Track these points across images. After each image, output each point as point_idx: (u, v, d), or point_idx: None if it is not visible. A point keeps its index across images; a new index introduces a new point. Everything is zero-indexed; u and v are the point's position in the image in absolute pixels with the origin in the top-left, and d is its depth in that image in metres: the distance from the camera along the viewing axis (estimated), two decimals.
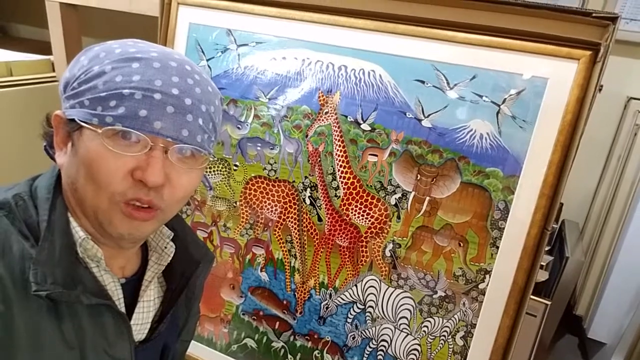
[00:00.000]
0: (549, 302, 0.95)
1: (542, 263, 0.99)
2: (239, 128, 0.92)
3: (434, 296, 0.82)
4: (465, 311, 0.80)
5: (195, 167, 0.51)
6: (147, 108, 0.46)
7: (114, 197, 0.48)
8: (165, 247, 0.60)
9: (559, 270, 1.11)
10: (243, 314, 0.98)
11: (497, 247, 0.76)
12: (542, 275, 1.10)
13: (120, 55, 0.48)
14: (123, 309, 0.55)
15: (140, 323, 0.58)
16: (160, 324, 0.60)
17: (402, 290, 0.84)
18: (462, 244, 0.79)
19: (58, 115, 0.50)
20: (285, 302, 0.94)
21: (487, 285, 0.78)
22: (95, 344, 0.51)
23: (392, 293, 0.85)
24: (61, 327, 0.49)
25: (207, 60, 0.93)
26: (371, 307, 0.87)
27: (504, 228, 0.75)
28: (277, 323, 0.95)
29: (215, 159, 0.95)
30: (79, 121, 0.47)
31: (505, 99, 0.73)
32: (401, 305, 0.85)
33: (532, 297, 0.82)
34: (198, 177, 0.53)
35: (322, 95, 0.84)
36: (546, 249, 0.86)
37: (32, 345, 0.46)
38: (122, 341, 0.54)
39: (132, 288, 0.58)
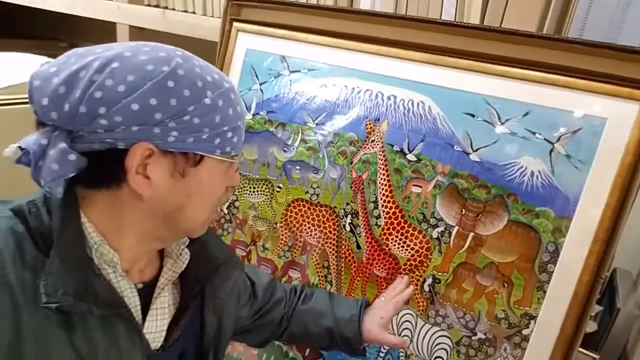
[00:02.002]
0: (597, 356, 0.89)
1: (591, 313, 0.93)
2: (285, 151, 0.94)
3: (473, 338, 0.78)
4: (507, 357, 0.76)
5: None
6: (243, 132, 0.56)
7: (216, 207, 0.56)
8: (181, 254, 0.60)
9: (609, 322, 1.03)
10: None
11: (545, 292, 0.72)
12: (590, 327, 1.03)
13: (216, 85, 0.51)
14: (139, 316, 0.55)
15: (154, 331, 0.57)
16: (174, 332, 0.59)
17: (439, 328, 0.81)
18: (506, 285, 0.75)
19: (149, 148, 0.48)
20: None
21: (531, 331, 0.74)
22: (107, 354, 0.51)
23: (428, 330, 0.82)
24: (71, 337, 0.48)
25: (260, 84, 0.96)
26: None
27: (552, 272, 0.72)
28: (308, 350, 0.94)
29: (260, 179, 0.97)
30: (202, 154, 0.51)
31: (559, 137, 0.71)
32: (437, 344, 0.82)
33: (579, 349, 0.77)
34: None
35: (370, 124, 0.85)
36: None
37: (40, 354, 0.47)
38: (135, 351, 0.53)
39: (148, 293, 0.58)
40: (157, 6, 1.28)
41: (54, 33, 2.03)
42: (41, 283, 0.47)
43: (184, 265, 0.60)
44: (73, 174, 0.47)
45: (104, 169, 0.49)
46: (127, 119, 0.46)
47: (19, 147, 0.47)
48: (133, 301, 0.55)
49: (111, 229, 0.52)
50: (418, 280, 0.82)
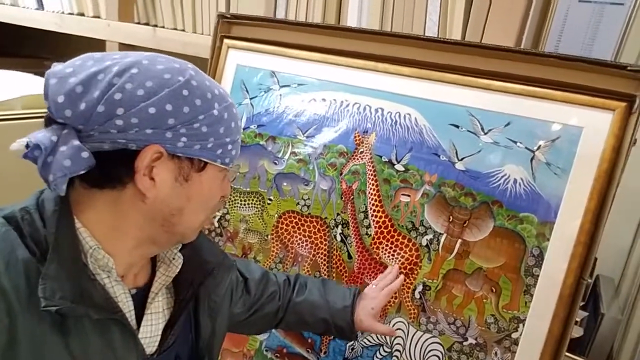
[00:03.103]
0: None
1: (577, 319, 0.95)
2: (275, 163, 0.96)
3: (464, 343, 0.80)
4: None
5: None
6: (239, 148, 0.58)
7: (210, 214, 0.59)
8: (174, 259, 0.61)
9: (595, 327, 1.06)
10: (266, 351, 0.97)
11: (531, 295, 0.75)
12: (576, 332, 1.05)
13: (222, 98, 0.54)
14: (134, 321, 0.56)
15: (149, 336, 0.58)
16: (169, 336, 0.60)
17: (430, 335, 0.82)
18: (494, 290, 0.77)
19: (159, 151, 0.50)
20: (309, 340, 0.93)
21: (520, 334, 0.76)
22: (103, 359, 0.52)
23: (420, 337, 0.83)
24: (67, 341, 0.49)
25: (251, 99, 0.98)
26: (398, 351, 0.85)
27: (538, 275, 0.74)
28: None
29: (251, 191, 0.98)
30: (206, 161, 0.54)
31: (539, 145, 0.74)
32: (429, 350, 0.83)
33: (567, 354, 0.79)
34: None
35: (358, 136, 0.88)
36: (580, 304, 0.83)
37: (35, 358, 0.47)
38: (130, 355, 0.54)
39: (142, 298, 0.58)
40: (147, 24, 1.30)
41: (40, 51, 2.03)
42: (39, 287, 0.47)
43: (177, 270, 0.61)
44: (83, 172, 0.48)
45: (112, 168, 0.50)
46: (143, 121, 0.48)
47: (27, 143, 0.48)
48: (127, 306, 0.55)
49: (108, 232, 0.53)
50: (409, 288, 0.84)
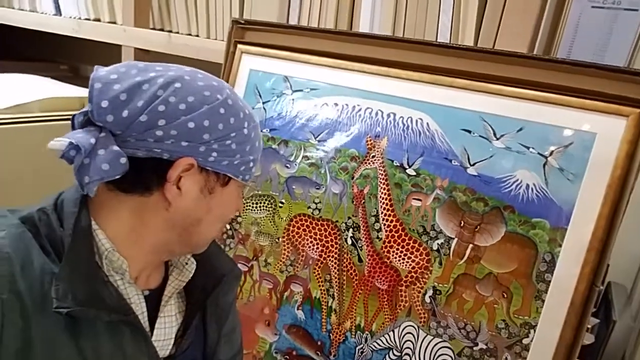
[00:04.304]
0: None
1: (588, 325, 0.94)
2: (287, 167, 0.97)
3: (475, 348, 0.80)
4: None
5: None
6: (257, 165, 0.60)
7: (225, 225, 0.57)
8: (186, 264, 0.62)
9: (606, 334, 1.05)
10: (276, 352, 0.97)
11: (543, 301, 0.74)
12: (588, 339, 1.04)
13: (252, 119, 0.57)
14: (146, 323, 0.57)
15: (162, 339, 0.59)
16: (182, 340, 0.61)
17: (441, 340, 0.82)
18: (505, 295, 0.77)
19: (191, 163, 0.52)
20: (319, 342, 0.93)
21: (531, 340, 0.75)
22: None
23: (430, 342, 0.83)
24: (79, 343, 0.50)
25: (264, 103, 1.00)
26: (408, 354, 0.85)
27: (550, 281, 0.74)
28: None
29: (263, 194, 0.99)
30: (230, 176, 0.56)
31: (552, 151, 0.74)
32: (439, 355, 0.83)
33: None
34: None
35: (370, 140, 0.88)
36: (592, 310, 0.83)
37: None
38: (142, 357, 0.55)
39: (154, 301, 0.59)
40: (162, 29, 1.33)
41: (57, 55, 2.07)
42: (52, 288, 0.48)
43: (190, 275, 0.62)
44: (118, 177, 0.50)
45: (143, 175, 0.52)
46: (180, 134, 0.50)
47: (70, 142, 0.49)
48: (140, 308, 0.56)
49: (126, 235, 0.54)
50: (419, 292, 0.84)
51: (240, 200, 0.62)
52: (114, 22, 1.40)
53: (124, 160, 0.49)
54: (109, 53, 1.41)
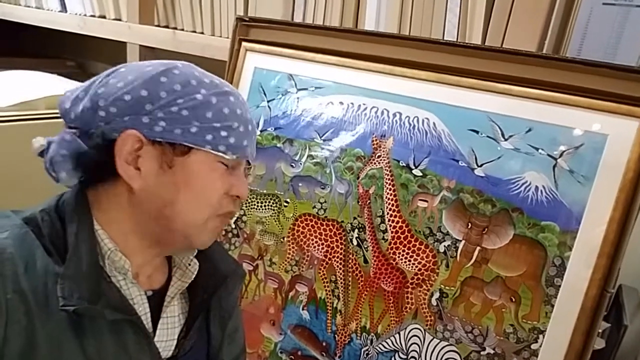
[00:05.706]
0: None
1: (599, 330, 0.93)
2: (292, 166, 0.96)
3: (482, 353, 0.78)
4: None
5: None
6: (247, 139, 0.56)
7: (214, 212, 0.55)
8: (189, 265, 0.61)
9: (617, 339, 1.03)
10: (281, 352, 0.97)
11: (552, 306, 0.73)
12: (598, 343, 1.02)
13: (214, 86, 0.54)
14: (149, 323, 0.56)
15: (165, 340, 0.58)
16: (185, 341, 0.60)
17: (447, 343, 0.81)
18: (514, 299, 0.76)
19: (137, 137, 0.51)
20: (324, 343, 0.92)
21: (540, 346, 0.74)
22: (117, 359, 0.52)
23: (436, 345, 0.82)
24: (82, 342, 0.50)
25: (268, 101, 0.99)
26: (414, 357, 0.84)
27: (559, 286, 0.72)
28: None
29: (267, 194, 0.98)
30: (189, 145, 0.52)
31: (562, 152, 0.73)
32: (446, 359, 0.82)
33: None
34: None
35: (376, 140, 0.87)
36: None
37: (53, 359, 0.48)
38: (144, 357, 0.54)
39: (158, 302, 0.59)
40: (166, 26, 1.32)
41: (62, 52, 2.08)
42: (57, 287, 0.48)
43: (193, 276, 0.61)
44: (74, 158, 0.52)
45: (102, 160, 0.52)
46: (120, 109, 0.51)
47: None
48: (143, 308, 0.56)
49: (118, 231, 0.54)
50: (425, 295, 0.83)
51: (232, 184, 0.56)
52: (119, 19, 1.40)
53: (68, 137, 0.52)
54: (114, 50, 1.41)
